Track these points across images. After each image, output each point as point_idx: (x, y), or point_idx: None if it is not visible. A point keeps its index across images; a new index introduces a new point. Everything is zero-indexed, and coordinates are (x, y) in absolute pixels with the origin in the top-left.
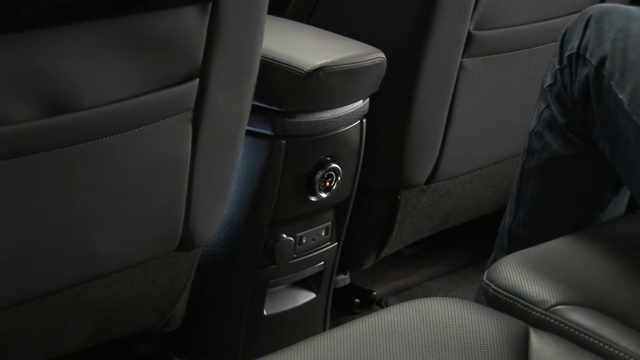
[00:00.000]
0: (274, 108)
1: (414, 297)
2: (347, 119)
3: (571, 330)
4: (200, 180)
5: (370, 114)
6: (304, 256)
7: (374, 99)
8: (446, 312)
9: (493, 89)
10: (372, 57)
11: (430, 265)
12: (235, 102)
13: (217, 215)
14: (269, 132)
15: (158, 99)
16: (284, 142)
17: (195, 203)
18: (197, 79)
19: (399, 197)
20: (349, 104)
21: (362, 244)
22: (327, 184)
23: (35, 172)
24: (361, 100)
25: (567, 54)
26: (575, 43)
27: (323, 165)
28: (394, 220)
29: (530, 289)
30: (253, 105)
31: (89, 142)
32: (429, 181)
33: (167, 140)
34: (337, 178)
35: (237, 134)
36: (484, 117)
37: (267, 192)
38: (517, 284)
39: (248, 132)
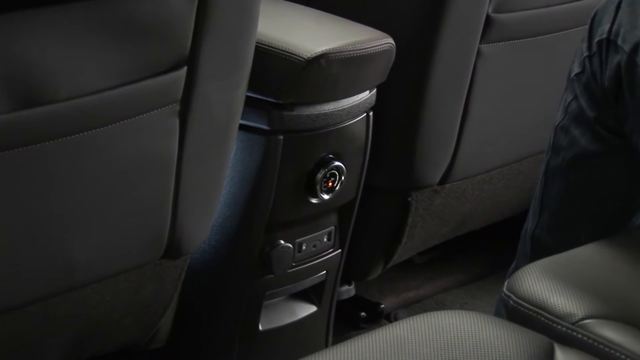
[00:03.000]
0: (271, 100)
1: (426, 310)
2: (351, 112)
3: (600, 346)
4: (188, 180)
5: (378, 107)
6: (303, 264)
7: (382, 90)
8: (462, 327)
9: (514, 78)
10: (379, 43)
11: (444, 275)
12: (228, 93)
13: (207, 219)
14: (264, 127)
15: (141, 89)
16: (282, 137)
17: (183, 205)
18: (185, 68)
19: (409, 198)
20: (354, 95)
21: (368, 251)
22: (330, 184)
23: (4, 170)
24: (367, 91)
25: (596, 40)
26: (606, 27)
27: (325, 163)
28: (404, 225)
29: (556, 301)
30: (247, 97)
31: (64, 138)
32: (443, 181)
33: (152, 135)
34: (340, 178)
35: (230, 128)
36: (504, 109)
37: (263, 193)
38: (540, 296)
39: (241, 127)
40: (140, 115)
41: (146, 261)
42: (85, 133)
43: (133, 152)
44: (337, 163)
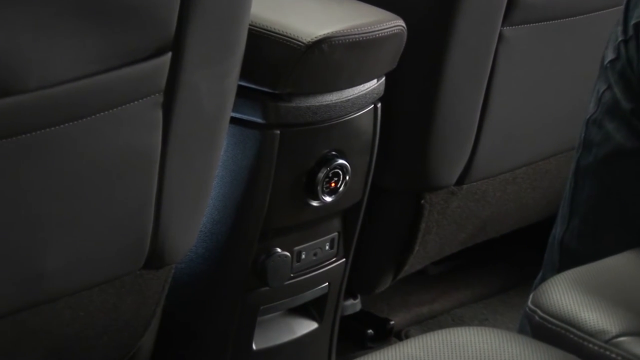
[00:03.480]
0: (266, 90)
1: (441, 327)
2: (357, 104)
3: None
4: (173, 180)
5: (387, 97)
6: (303, 276)
7: (392, 79)
8: (482, 346)
9: (540, 65)
10: (388, 26)
11: (462, 288)
12: (217, 82)
13: (195, 223)
14: (259, 120)
15: (120, 78)
16: (278, 132)
17: (167, 209)
18: (169, 54)
19: (422, 201)
20: (360, 84)
21: (376, 261)
22: (333, 185)
23: None
24: (375, 80)
25: (633, 22)
26: None
27: (327, 161)
28: (417, 231)
29: (587, 316)
30: (239, 87)
31: (34, 132)
32: (460, 181)
33: (132, 129)
34: (344, 177)
35: (220, 122)
36: (529, 101)
37: (257, 195)
38: (570, 310)
39: (233, 120)
40: (119, 107)
41: (125, 272)
42: (58, 127)
43: (111, 149)
44: (340, 161)
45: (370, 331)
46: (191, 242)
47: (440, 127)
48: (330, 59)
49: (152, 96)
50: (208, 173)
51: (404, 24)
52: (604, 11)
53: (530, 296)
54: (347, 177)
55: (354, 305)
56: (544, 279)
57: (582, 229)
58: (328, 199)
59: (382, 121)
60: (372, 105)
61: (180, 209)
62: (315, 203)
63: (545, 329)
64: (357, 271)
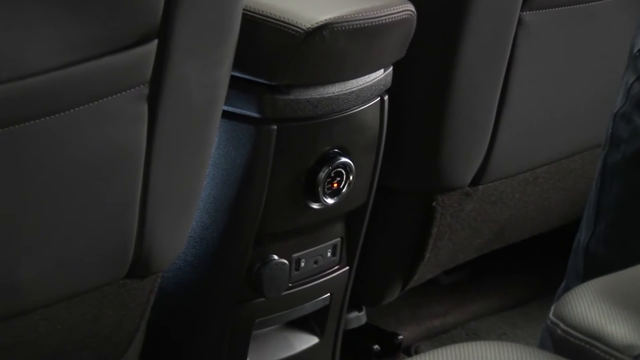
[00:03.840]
0: (262, 81)
1: (454, 342)
2: (362, 96)
3: None
4: (159, 181)
5: (395, 89)
6: (302, 285)
7: (400, 69)
8: None
9: (564, 54)
10: (396, 11)
11: (477, 299)
12: (208, 72)
13: (183, 228)
14: (254, 114)
15: (101, 69)
16: (275, 127)
17: (153, 212)
18: (155, 41)
19: (434, 203)
20: (365, 74)
21: (383, 269)
22: (335, 185)
23: None
24: (382, 70)
25: None
26: None
27: (329, 159)
28: (428, 236)
29: (614, 330)
30: (232, 78)
31: (5, 128)
32: (475, 181)
33: (114, 125)
34: (348, 177)
35: (211, 116)
36: (551, 93)
37: (252, 196)
38: (595, 323)
39: (225, 114)
40: (100, 100)
41: (106, 281)
42: (32, 122)
43: (91, 145)
44: (343, 159)
45: (376, 347)
46: (179, 249)
47: (454, 121)
48: (333, 47)
49: (137, 88)
50: (198, 172)
51: (413, 9)
52: None
53: (552, 308)
54: (351, 177)
55: (358, 318)
56: (567, 289)
57: (610, 233)
58: (330, 200)
59: (390, 115)
60: (379, 98)
61: (168, 211)
62: (315, 205)
63: (568, 344)
64: (362, 281)
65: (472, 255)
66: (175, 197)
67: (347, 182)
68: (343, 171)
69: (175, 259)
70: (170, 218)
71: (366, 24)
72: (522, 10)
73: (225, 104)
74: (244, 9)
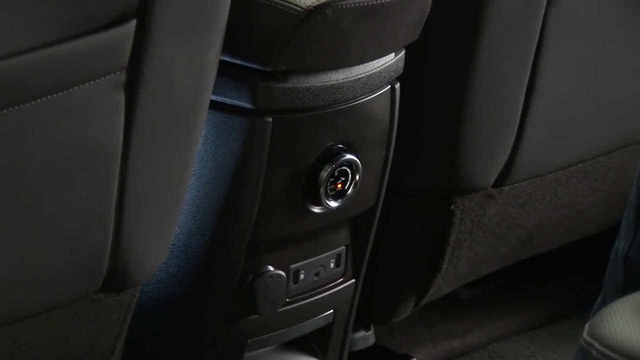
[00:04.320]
0: (255, 67)
1: None
2: (369, 84)
3: None
4: (138, 181)
5: (407, 76)
6: (302, 300)
7: (413, 53)
8: None
9: (600, 37)
10: None
11: (501, 316)
12: (194, 57)
13: (165, 235)
14: (246, 105)
15: (71, 53)
16: (270, 120)
17: (131, 217)
18: (133, 22)
19: (452, 206)
20: (374, 59)
21: (394, 282)
22: (339, 186)
23: None
24: (392, 55)
25: None
26: None
27: (332, 156)
28: (445, 244)
29: None
30: (222, 63)
31: None
32: (500, 182)
33: (87, 117)
34: (354, 177)
35: (197, 108)
36: (586, 81)
37: (244, 199)
38: (635, 343)
39: (214, 105)
40: (70, 90)
41: (78, 295)
42: None
43: (59, 142)
44: (349, 156)
45: None
46: (161, 259)
47: (475, 113)
48: (336, 27)
49: (112, 75)
50: (182, 171)
51: None
52: None
53: (587, 326)
54: (357, 177)
55: (365, 338)
56: (604, 304)
57: None
58: (333, 203)
59: (401, 106)
60: (389, 86)
61: (148, 216)
62: (316, 209)
63: None
64: (369, 295)
65: (496, 266)
66: (156, 200)
67: (353, 182)
68: (348, 170)
69: (156, 271)
70: (150, 224)
71: (374, 2)
72: None
73: (214, 93)
74: None
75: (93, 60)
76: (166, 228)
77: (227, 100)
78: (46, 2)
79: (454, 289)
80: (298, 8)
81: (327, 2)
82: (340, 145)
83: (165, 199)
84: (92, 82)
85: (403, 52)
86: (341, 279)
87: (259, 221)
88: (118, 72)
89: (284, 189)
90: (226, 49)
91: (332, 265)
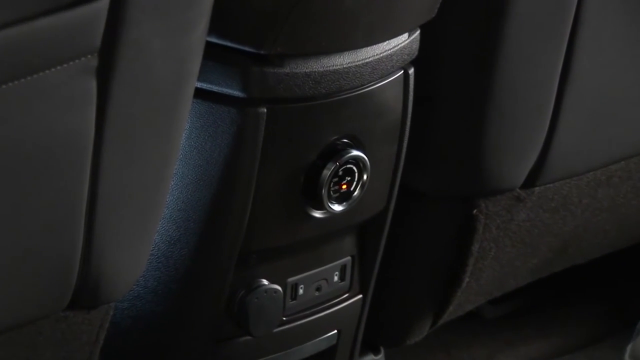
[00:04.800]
0: (247, 49)
1: None
2: (379, 69)
3: None
4: (111, 181)
5: (422, 60)
6: (301, 320)
7: (430, 34)
8: None
9: None
10: None
11: (532, 337)
12: (176, 39)
13: (143, 244)
14: (237, 93)
15: (35, 34)
16: (265, 110)
17: (103, 222)
18: None
19: (475, 211)
20: (384, 40)
21: (407, 298)
22: (344, 187)
23: None
24: (405, 35)
25: None
26: None
27: (336, 153)
28: (467, 254)
29: None
30: (208, 45)
31: None
32: (530, 182)
33: (53, 107)
34: (361, 177)
35: (179, 97)
36: (628, 66)
37: (234, 202)
38: None
39: (199, 93)
40: (34, 76)
41: (42, 313)
42: None
43: (22, 135)
44: (355, 153)
45: None
46: (138, 271)
47: (501, 102)
48: (340, 3)
49: (82, 59)
50: (163, 170)
51: None
52: None
53: (629, 348)
54: (365, 176)
55: None
56: None
57: None
58: (337, 207)
59: (416, 94)
60: (402, 72)
61: (123, 222)
62: (318, 214)
63: None
64: (379, 313)
65: (526, 279)
66: (133, 203)
67: (360, 182)
68: (354, 168)
69: (133, 285)
70: (126, 230)
71: None
72: None
73: (199, 79)
74: None
75: (59, 42)
76: (144, 236)
77: (215, 88)
78: None
79: (477, 306)
80: None
81: None
82: (345, 140)
83: (144, 202)
84: (58, 68)
85: (418, 32)
86: (346, 295)
87: (251, 228)
88: (89, 56)
89: (280, 191)
90: (213, 28)
91: (335, 278)
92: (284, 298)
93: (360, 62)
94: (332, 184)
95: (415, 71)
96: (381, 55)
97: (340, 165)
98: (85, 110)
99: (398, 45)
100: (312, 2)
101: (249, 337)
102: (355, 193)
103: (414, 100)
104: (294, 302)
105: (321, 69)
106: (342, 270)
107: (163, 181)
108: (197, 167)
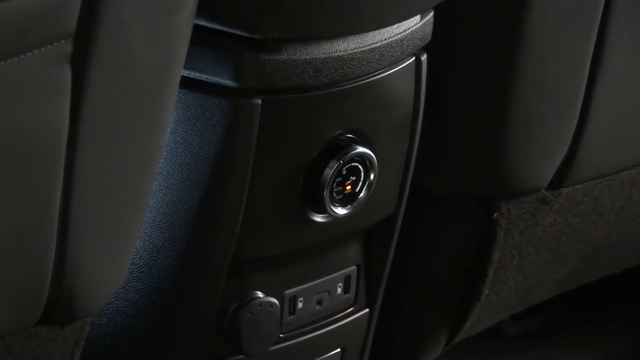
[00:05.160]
0: (239, 33)
1: None
2: (388, 55)
3: None
4: (87, 182)
5: (436, 46)
6: (300, 337)
7: (444, 17)
8: None
9: None
10: None
11: (560, 357)
12: (159, 22)
13: (123, 252)
14: (228, 83)
15: (1, 16)
16: (259, 101)
17: (78, 228)
18: None
19: (496, 215)
20: (393, 23)
21: (419, 313)
22: (348, 188)
23: None
24: (417, 18)
25: None
26: None
27: (339, 149)
28: (487, 263)
29: None
30: (196, 29)
31: None
32: (557, 183)
33: (22, 99)
34: (367, 177)
35: (163, 86)
36: None
37: (225, 205)
38: None
39: (186, 83)
40: (1, 63)
41: (10, 329)
42: None
43: None
44: (361, 149)
45: None
46: (117, 283)
47: (525, 93)
48: None
49: (55, 45)
50: (145, 169)
51: None
52: None
53: None
54: (372, 176)
55: None
56: None
57: None
58: (341, 211)
59: (429, 84)
60: (413, 58)
61: (100, 227)
62: (319, 218)
63: None
64: (388, 329)
65: (553, 292)
66: (111, 206)
67: (366, 183)
68: (360, 167)
69: (112, 298)
70: (103, 236)
71: None
72: None
73: (186, 68)
74: None
75: (29, 26)
76: (125, 242)
77: (204, 77)
78: None
79: (498, 322)
80: None
81: None
82: (350, 135)
83: (124, 205)
84: (28, 54)
85: (431, 14)
86: (351, 309)
87: (244, 234)
88: (63, 41)
89: (277, 192)
90: (202, 10)
91: (339, 290)
92: (281, 312)
93: (366, 48)
94: (335, 184)
95: (428, 58)
96: (390, 40)
97: (344, 164)
98: (58, 101)
99: (409, 28)
100: None
101: (241, 357)
102: (361, 195)
103: (427, 90)
104: (292, 317)
105: (323, 56)
106: (347, 281)
107: (145, 181)
108: (184, 165)
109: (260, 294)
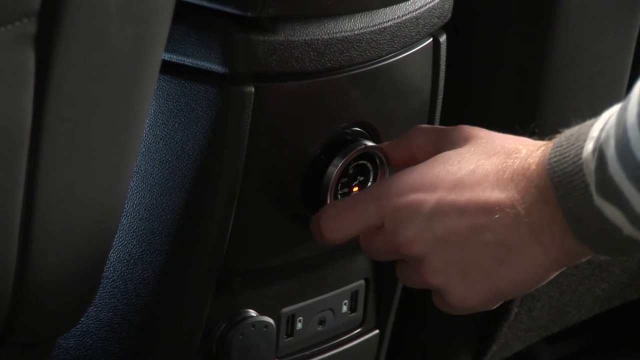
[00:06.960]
0: (230, 10)
1: None
2: (401, 36)
3: None
4: (53, 182)
5: (458, 25)
6: None
7: None
8: None
9: None
10: None
11: None
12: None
13: (94, 264)
14: (217, 68)
15: None
16: (252, 89)
17: (42, 235)
18: None
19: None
20: (404, 0)
21: (438, 334)
22: (355, 189)
23: None
24: None
25: None
26: None
27: (345, 145)
28: None
29: None
30: (180, 5)
31: None
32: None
33: None
34: (377, 176)
35: (142, 72)
36: None
37: (212, 209)
38: None
39: (168, 68)
40: None
41: None
42: None
43: None
44: (369, 145)
45: None
46: (88, 299)
47: (561, 77)
48: None
49: (16, 24)
50: (119, 168)
51: None
52: None
53: None
54: (384, 176)
55: None
56: None
57: None
58: None
59: (449, 69)
60: (430, 39)
61: (67, 235)
62: None
63: None
64: (401, 353)
65: (592, 310)
66: (80, 210)
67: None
68: (369, 165)
69: (81, 317)
70: (71, 246)
71: None
72: None
73: (168, 50)
74: None
75: None
76: (96, 253)
77: (188, 61)
78: None
79: (529, 345)
80: None
81: None
82: (357, 129)
83: (95, 209)
84: None
85: None
86: (358, 330)
87: (234, 243)
88: (25, 20)
89: (273, 195)
90: None
91: (344, 308)
92: (278, 334)
93: (376, 28)
94: (339, 185)
95: (448, 39)
96: (404, 18)
97: (351, 162)
98: (20, 89)
99: (426, 5)
100: None
101: None
102: None
103: (446, 76)
104: (290, 339)
105: (325, 37)
106: (353, 297)
107: (120, 182)
108: (165, 163)
109: (253, 313)
